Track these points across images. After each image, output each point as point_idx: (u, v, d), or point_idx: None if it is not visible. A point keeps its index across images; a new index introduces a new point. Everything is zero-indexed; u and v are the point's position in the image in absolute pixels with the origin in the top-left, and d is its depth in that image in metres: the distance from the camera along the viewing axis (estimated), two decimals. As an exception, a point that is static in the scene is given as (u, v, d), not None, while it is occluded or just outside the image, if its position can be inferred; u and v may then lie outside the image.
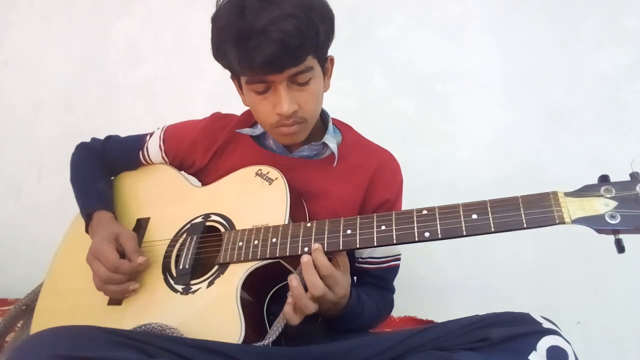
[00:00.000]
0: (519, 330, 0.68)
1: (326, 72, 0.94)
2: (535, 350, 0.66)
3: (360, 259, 0.98)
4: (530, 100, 1.54)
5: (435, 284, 1.50)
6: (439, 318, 0.86)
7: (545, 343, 0.66)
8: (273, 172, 0.90)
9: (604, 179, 0.65)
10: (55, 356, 0.59)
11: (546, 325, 0.70)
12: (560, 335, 0.68)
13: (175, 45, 1.82)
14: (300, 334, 0.85)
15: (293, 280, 0.76)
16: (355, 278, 1.00)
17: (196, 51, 1.75)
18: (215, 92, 1.68)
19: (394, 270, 1.00)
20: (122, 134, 1.16)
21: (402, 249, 1.01)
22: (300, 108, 0.86)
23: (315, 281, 0.75)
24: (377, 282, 0.99)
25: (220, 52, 0.85)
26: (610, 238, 0.64)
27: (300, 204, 0.90)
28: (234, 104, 1.08)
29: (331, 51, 0.94)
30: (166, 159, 1.07)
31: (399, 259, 1.00)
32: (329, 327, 0.91)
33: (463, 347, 0.71)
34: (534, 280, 1.45)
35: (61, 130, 1.82)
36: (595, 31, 1.51)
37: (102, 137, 1.16)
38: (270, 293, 0.84)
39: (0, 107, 1.91)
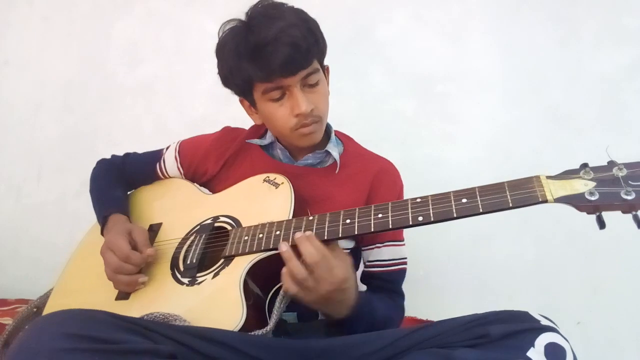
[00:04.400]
0: (518, 327, 0.69)
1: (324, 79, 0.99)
2: (534, 347, 0.66)
3: (367, 263, 1.01)
4: (530, 100, 1.54)
5: (435, 284, 1.50)
6: (438, 318, 0.85)
7: (543, 340, 0.67)
8: (280, 178, 0.95)
9: (584, 165, 0.69)
10: (66, 334, 0.61)
11: (544, 322, 0.70)
12: (558, 332, 0.69)
13: (175, 45, 1.83)
14: (300, 332, 0.85)
15: (282, 245, 0.79)
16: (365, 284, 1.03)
17: (196, 51, 1.75)
18: (215, 92, 1.67)
19: (402, 273, 1.03)
20: (122, 134, 1.17)
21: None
22: (315, 107, 0.93)
23: (309, 249, 0.76)
24: (386, 285, 1.01)
25: (234, 74, 0.93)
26: (608, 235, 0.67)
27: (304, 209, 0.92)
28: (233, 104, 1.09)
29: (332, 51, 0.95)
30: (181, 169, 1.12)
31: (405, 263, 1.02)
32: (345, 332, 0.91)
33: (462, 344, 0.71)
34: (534, 281, 1.45)
35: (61, 130, 1.83)
36: (595, 31, 1.51)
37: (102, 137, 1.17)
38: (274, 289, 0.85)
39: (0, 107, 1.91)
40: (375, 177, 1.02)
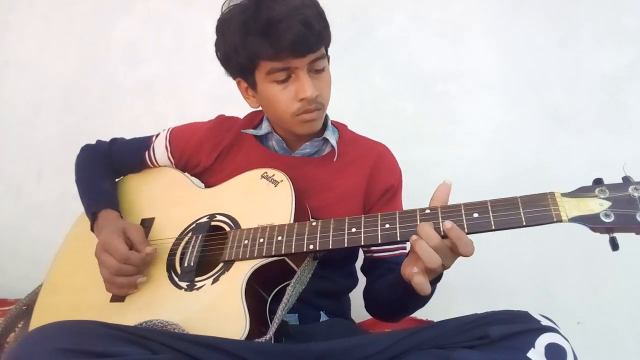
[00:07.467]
0: (518, 327, 0.69)
1: None
2: (534, 348, 0.66)
3: (374, 248, 0.98)
4: (530, 100, 1.54)
5: (435, 284, 1.50)
6: (438, 318, 0.86)
7: (543, 340, 0.67)
8: (279, 175, 0.92)
9: (598, 182, 0.68)
10: (59, 350, 0.59)
11: (544, 322, 0.70)
12: (558, 332, 0.69)
13: (175, 45, 1.82)
14: (300, 334, 0.85)
15: (414, 237, 0.71)
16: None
17: (196, 51, 1.75)
18: (215, 92, 1.68)
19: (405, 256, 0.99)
20: (122, 134, 1.17)
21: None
22: (320, 94, 0.92)
23: (429, 252, 0.70)
24: (398, 268, 0.95)
25: (239, 51, 0.89)
26: (606, 237, 0.66)
27: (303, 207, 0.91)
28: (234, 104, 1.09)
29: (332, 51, 0.95)
30: (172, 159, 1.08)
31: (405, 247, 0.99)
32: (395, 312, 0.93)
33: (462, 345, 0.71)
34: (533, 281, 1.45)
35: (61, 130, 1.82)
36: (595, 31, 1.50)
37: (103, 137, 1.16)
38: (274, 292, 0.85)
39: (0, 107, 1.91)
40: (375, 161, 1.02)
